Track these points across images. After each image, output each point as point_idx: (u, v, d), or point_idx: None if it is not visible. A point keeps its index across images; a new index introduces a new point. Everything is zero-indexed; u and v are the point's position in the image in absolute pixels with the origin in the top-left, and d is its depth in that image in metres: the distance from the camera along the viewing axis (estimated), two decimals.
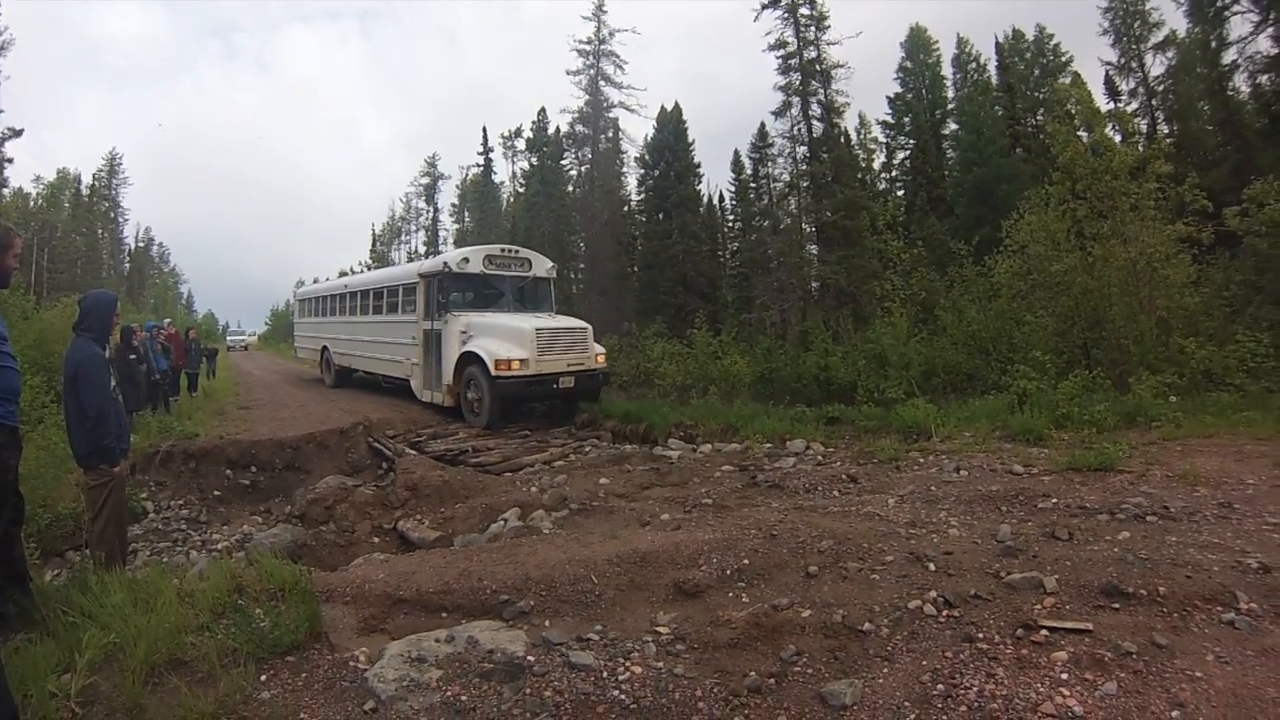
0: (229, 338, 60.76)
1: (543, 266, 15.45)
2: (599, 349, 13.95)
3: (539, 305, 15.03)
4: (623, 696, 2.89)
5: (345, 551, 7.02)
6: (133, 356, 11.50)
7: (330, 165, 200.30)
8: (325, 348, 21.39)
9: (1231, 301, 12.87)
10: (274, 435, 10.92)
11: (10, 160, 38.84)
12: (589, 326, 14.01)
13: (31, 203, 55.89)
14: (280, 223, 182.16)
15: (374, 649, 3.34)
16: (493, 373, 11.95)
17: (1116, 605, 3.39)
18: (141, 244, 76.86)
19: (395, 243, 74.67)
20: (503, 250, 15.25)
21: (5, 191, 40.15)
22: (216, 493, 9.58)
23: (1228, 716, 2.54)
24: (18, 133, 38.53)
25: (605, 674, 3.06)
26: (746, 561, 4.20)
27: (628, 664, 3.13)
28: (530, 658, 3.19)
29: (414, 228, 72.90)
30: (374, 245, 76.07)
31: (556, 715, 2.80)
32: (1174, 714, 2.57)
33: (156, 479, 9.61)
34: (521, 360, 12.06)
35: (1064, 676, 2.84)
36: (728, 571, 4.10)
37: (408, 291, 15.57)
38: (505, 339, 12.48)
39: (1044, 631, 3.17)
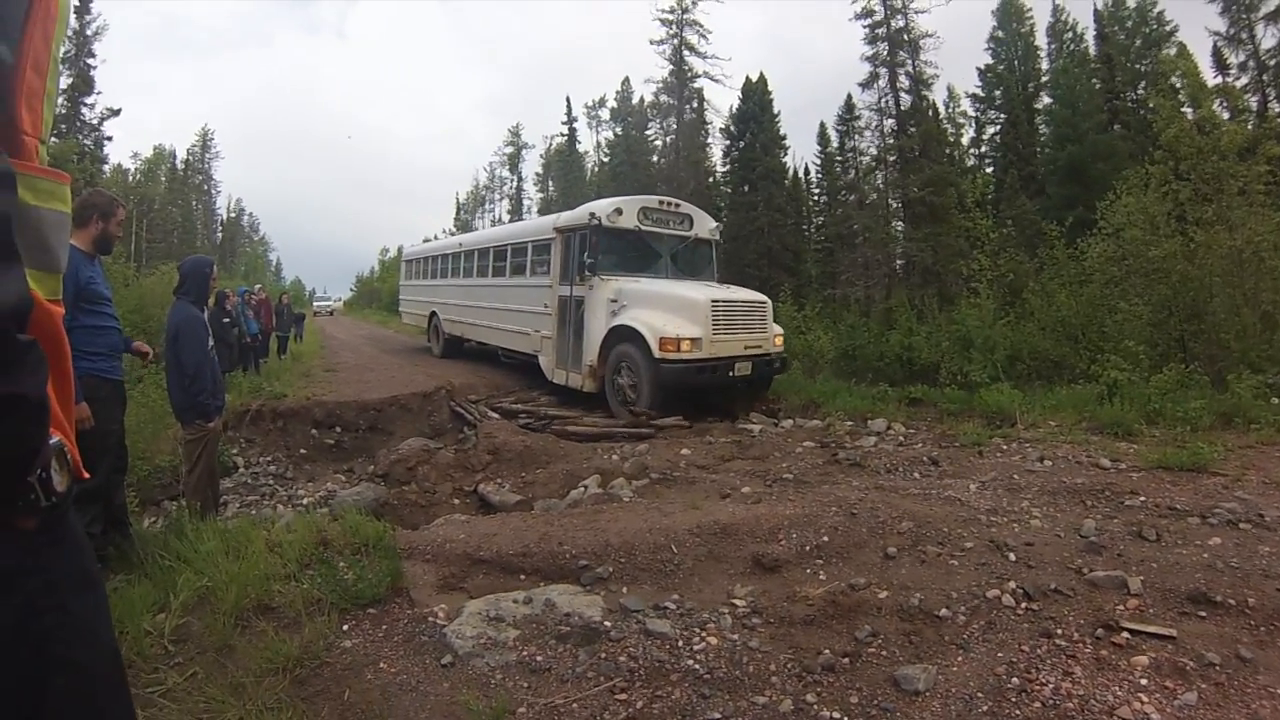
0: (315, 303, 62.54)
1: (705, 226, 13.02)
2: (777, 329, 11.66)
3: (699, 272, 12.68)
4: (697, 666, 2.92)
5: (426, 512, 7.16)
6: (226, 320, 11.97)
7: (414, 133, 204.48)
8: (434, 313, 19.10)
9: None
10: (358, 397, 11.23)
11: (110, 138, 40.84)
12: (769, 301, 11.67)
13: (130, 177, 58.20)
14: (365, 191, 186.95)
15: (453, 606, 3.44)
16: (655, 353, 9.86)
17: (1203, 613, 3.28)
18: (233, 214, 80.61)
19: (479, 211, 75.95)
20: (661, 203, 12.60)
21: (106, 168, 41.91)
22: (302, 451, 9.91)
23: None
24: (115, 112, 40.30)
25: (680, 643, 3.09)
26: (825, 539, 4.19)
27: (703, 634, 3.15)
28: (607, 623, 3.25)
29: (498, 196, 74.15)
30: (458, 213, 77.56)
31: (630, 681, 2.84)
32: None
33: (246, 436, 10.00)
34: (693, 339, 9.93)
35: (1143, 682, 2.78)
36: (806, 548, 4.10)
37: (539, 250, 13.17)
38: (670, 311, 10.36)
39: (1125, 634, 3.09)
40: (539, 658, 2.99)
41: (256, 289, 19.71)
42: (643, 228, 11.96)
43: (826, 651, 3.02)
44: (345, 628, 3.20)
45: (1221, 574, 3.60)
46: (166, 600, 3.31)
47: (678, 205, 12.86)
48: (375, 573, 3.56)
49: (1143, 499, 5.06)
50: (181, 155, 68.85)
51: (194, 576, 3.48)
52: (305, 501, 7.96)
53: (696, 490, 5.99)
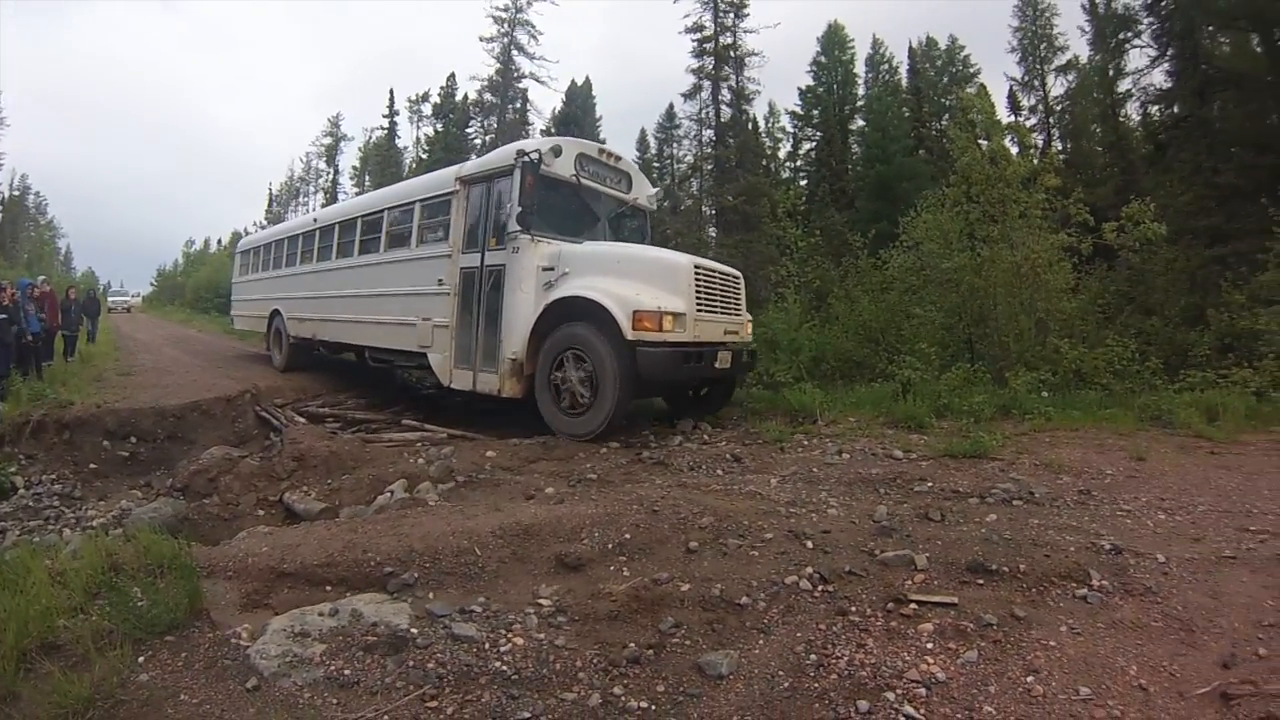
0: (111, 298, 57.34)
1: (645, 190, 10.81)
2: (748, 315, 9.66)
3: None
4: (504, 668, 2.94)
5: (229, 525, 6.79)
6: (2, 316, 10.87)
7: (236, 120, 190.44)
8: (276, 313, 15.21)
9: (1105, 309, 13.94)
10: (156, 403, 10.39)
11: None
12: (742, 276, 9.64)
13: None
14: (173, 177, 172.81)
15: (257, 625, 3.29)
16: (627, 333, 7.49)
17: (981, 581, 3.64)
18: (16, 192, 71.89)
19: (293, 204, 71.83)
20: (601, 153, 10.09)
21: None
22: (93, 465, 9.10)
23: (1077, 680, 2.77)
24: None
25: (488, 645, 3.10)
26: (628, 536, 4.29)
27: (510, 635, 3.17)
28: (414, 630, 3.21)
29: (313, 189, 70.19)
30: (270, 205, 73.31)
31: (440, 687, 2.83)
32: (1029, 678, 2.80)
33: (27, 451, 9.02)
34: (675, 315, 7.69)
35: (929, 646, 3.06)
36: (609, 545, 4.18)
37: (432, 210, 10.23)
38: (639, 279, 8.04)
39: (913, 605, 3.39)
40: (347, 671, 2.92)
41: (40, 281, 17.77)
42: (582, 180, 9.50)
43: (632, 645, 3.10)
44: (141, 660, 2.98)
45: (996, 545, 4.01)
46: None
47: (618, 159, 10.41)
48: (172, 596, 3.32)
49: (930, 484, 5.57)
50: None
51: None
52: (96, 523, 7.31)
53: (501, 492, 5.99)
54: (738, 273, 9.43)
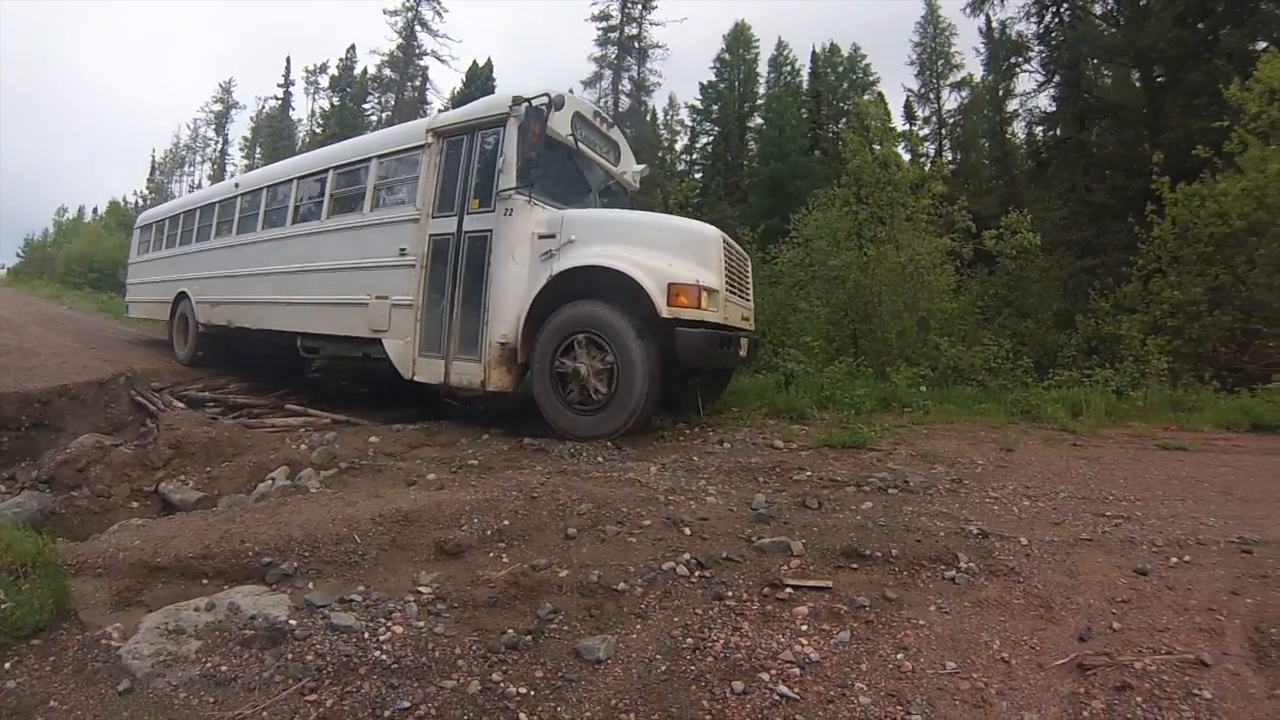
0: None
1: (631, 164, 9.94)
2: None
3: None
4: (384, 657, 2.95)
5: (100, 519, 6.51)
6: None
7: (114, 78, 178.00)
8: (182, 296, 13.11)
9: (984, 310, 14.83)
10: (20, 388, 9.73)
11: None
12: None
13: None
14: (44, 140, 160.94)
15: (129, 624, 3.20)
16: (663, 310, 6.55)
17: (855, 565, 3.78)
18: None
19: (177, 173, 68.43)
20: (596, 114, 9.01)
21: None
22: None
23: (944, 656, 2.94)
24: None
25: (367, 635, 3.10)
26: (507, 522, 4.31)
27: (389, 624, 3.18)
28: (293, 621, 3.18)
29: (200, 159, 67.26)
30: (152, 174, 69.44)
31: (319, 679, 2.81)
32: (898, 655, 2.95)
33: None
34: (711, 291, 6.81)
35: (803, 628, 3.16)
36: (488, 532, 4.19)
37: (397, 167, 8.90)
38: (664, 249, 7.04)
39: (788, 589, 3.49)
40: (224, 668, 2.88)
41: None
42: (579, 142, 8.41)
43: (510, 631, 3.14)
44: (6, 666, 2.85)
45: (871, 531, 4.18)
46: None
47: (610, 125, 9.41)
48: (37, 597, 3.16)
49: (809, 473, 5.75)
50: None
51: None
52: None
53: (383, 478, 5.92)
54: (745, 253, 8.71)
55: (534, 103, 7.32)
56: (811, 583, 3.57)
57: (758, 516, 4.55)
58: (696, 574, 3.71)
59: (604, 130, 9.13)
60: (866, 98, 36.43)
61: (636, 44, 28.33)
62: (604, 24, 28.39)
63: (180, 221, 14.41)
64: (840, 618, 3.26)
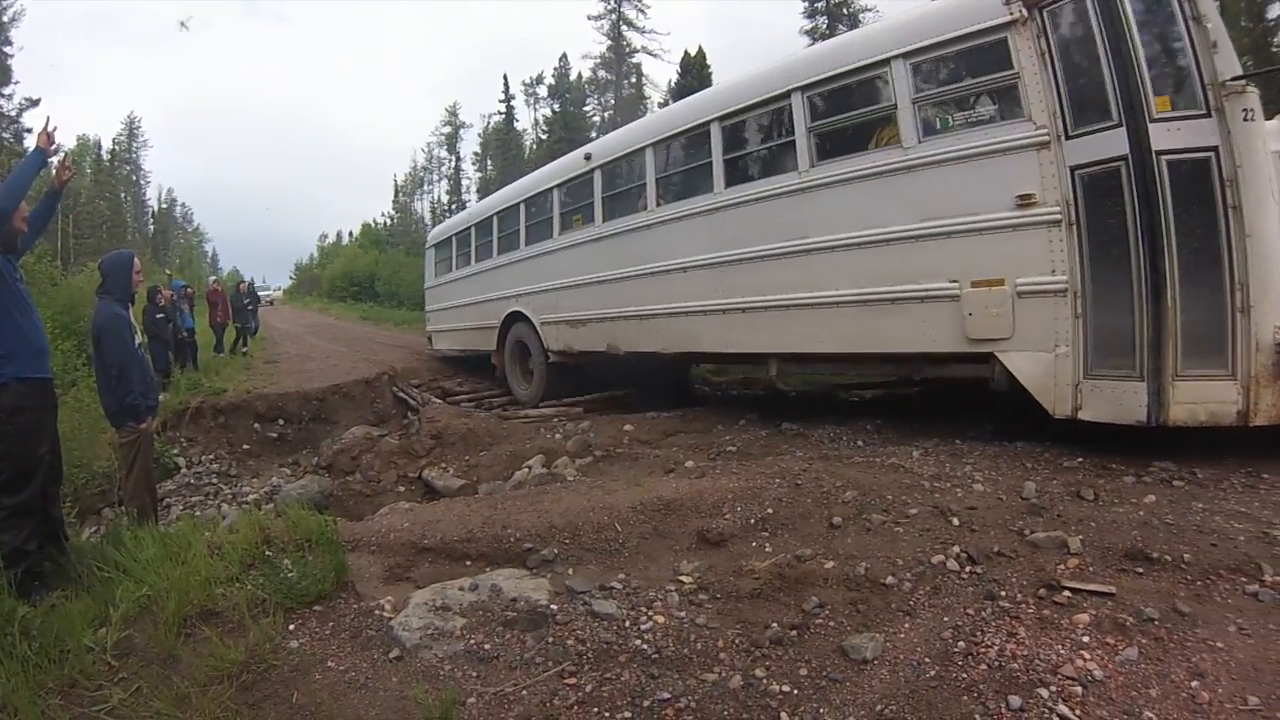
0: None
1: None
2: None
3: None
4: (645, 646, 2.91)
5: (371, 501, 7.08)
6: (160, 315, 11.59)
7: (355, 117, 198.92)
8: (513, 317, 10.39)
9: None
10: (300, 388, 11.00)
11: (29, 130, 38.02)
12: None
13: (53, 170, 55.78)
14: (303, 178, 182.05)
15: (399, 598, 3.38)
16: None
17: (1140, 570, 3.31)
18: (164, 205, 78.13)
19: (418, 193, 74.59)
20: None
21: None
22: (245, 446, 9.73)
23: (1246, 688, 2.47)
24: (34, 103, 39.35)
25: (628, 623, 3.08)
26: (770, 511, 4.16)
27: (650, 613, 3.14)
28: (553, 606, 3.22)
29: (436, 177, 72.74)
30: (396, 195, 76.06)
31: (579, 664, 2.82)
32: (1194, 683, 2.51)
33: (188, 435, 9.79)
34: None
35: (1085, 639, 2.79)
36: (751, 521, 4.07)
37: (937, 71, 5.77)
38: None
39: (1067, 592, 3.11)
40: (487, 646, 2.96)
41: (211, 280, 18.77)
42: None
43: (774, 625, 3.01)
44: (291, 628, 3.12)
45: (1157, 531, 3.63)
46: (107, 614, 3.20)
47: None
48: (320, 568, 3.47)
49: (1080, 460, 5.10)
50: (107, 145, 66.01)
51: (133, 586, 3.36)
52: (251, 498, 7.83)
53: (640, 466, 5.94)
54: None
55: None
56: (1092, 587, 3.14)
57: (1029, 507, 4.09)
58: (967, 569, 3.40)
59: None
60: None
61: (846, 9, 27.10)
62: None
63: (495, 225, 11.48)
64: (1126, 631, 2.83)
